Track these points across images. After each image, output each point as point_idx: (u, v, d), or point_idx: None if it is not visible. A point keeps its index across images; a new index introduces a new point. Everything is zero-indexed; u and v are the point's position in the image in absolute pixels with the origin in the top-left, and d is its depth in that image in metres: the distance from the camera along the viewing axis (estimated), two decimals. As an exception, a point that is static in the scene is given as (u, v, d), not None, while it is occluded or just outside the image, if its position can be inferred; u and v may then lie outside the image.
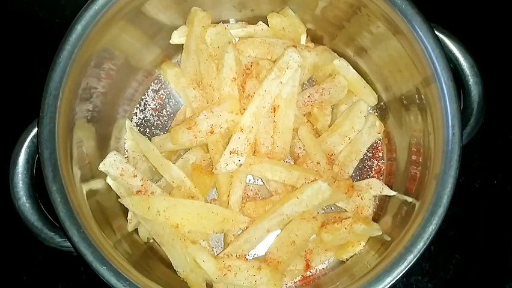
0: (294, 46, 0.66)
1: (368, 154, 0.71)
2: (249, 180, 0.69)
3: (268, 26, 0.70)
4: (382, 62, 0.66)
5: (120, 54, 0.64)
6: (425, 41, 0.55)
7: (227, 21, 0.72)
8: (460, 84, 0.58)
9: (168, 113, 0.72)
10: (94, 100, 0.61)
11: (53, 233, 0.56)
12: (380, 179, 0.69)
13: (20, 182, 0.56)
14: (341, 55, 0.70)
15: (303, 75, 0.67)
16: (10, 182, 0.56)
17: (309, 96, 0.68)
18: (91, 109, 0.61)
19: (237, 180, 0.65)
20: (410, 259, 0.53)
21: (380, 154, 0.71)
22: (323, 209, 0.67)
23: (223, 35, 0.67)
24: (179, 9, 0.67)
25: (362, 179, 0.69)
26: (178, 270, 0.61)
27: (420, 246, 0.53)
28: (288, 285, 0.66)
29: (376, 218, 0.67)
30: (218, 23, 0.68)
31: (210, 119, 0.64)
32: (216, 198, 0.67)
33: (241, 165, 0.63)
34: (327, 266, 0.67)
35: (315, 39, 0.71)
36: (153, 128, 0.71)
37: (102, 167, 0.62)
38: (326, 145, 0.67)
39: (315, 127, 0.69)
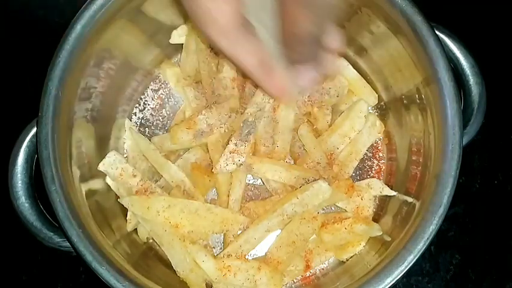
0: (294, 46, 0.66)
1: (368, 154, 0.70)
2: (249, 180, 0.69)
3: (268, 25, 0.70)
4: (382, 62, 0.66)
5: (119, 53, 0.63)
6: (426, 41, 0.55)
7: (227, 21, 0.71)
8: (460, 84, 0.58)
9: (168, 112, 0.72)
10: (93, 100, 0.61)
11: (52, 233, 0.55)
12: (380, 179, 0.69)
13: (19, 182, 0.56)
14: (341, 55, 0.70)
15: (303, 74, 0.67)
16: (9, 181, 0.56)
17: (309, 96, 0.68)
18: (90, 109, 0.61)
19: (237, 180, 0.64)
20: (410, 259, 0.53)
21: (380, 154, 0.71)
22: (323, 209, 0.67)
23: (223, 35, 0.67)
24: (179, 8, 0.67)
25: (362, 179, 0.69)
26: (178, 270, 0.60)
27: (421, 246, 0.53)
28: (288, 285, 0.65)
29: (376, 218, 0.67)
30: (218, 23, 0.68)
31: (209, 118, 0.64)
32: (216, 198, 0.67)
33: (241, 165, 0.63)
34: (327, 266, 0.67)
35: (315, 38, 0.71)
36: (153, 127, 0.71)
37: (101, 166, 0.62)
38: (326, 145, 0.67)
39: (315, 127, 0.69)
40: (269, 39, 0.42)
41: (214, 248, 0.67)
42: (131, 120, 0.71)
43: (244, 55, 0.42)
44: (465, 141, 0.56)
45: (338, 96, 0.68)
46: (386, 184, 0.67)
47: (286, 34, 0.41)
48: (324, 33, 0.40)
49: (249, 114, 0.63)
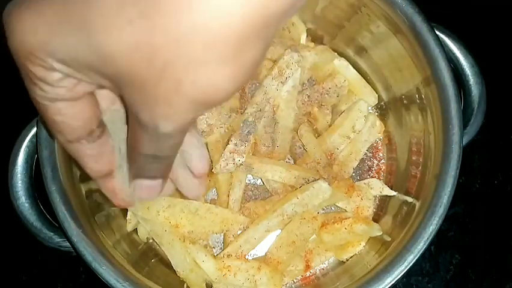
0: (294, 46, 0.66)
1: (368, 154, 0.70)
2: (249, 180, 0.69)
3: (268, 25, 0.70)
4: (382, 62, 0.66)
5: (119, 53, 0.63)
6: (426, 41, 0.55)
7: (227, 21, 0.71)
8: (460, 84, 0.58)
9: (168, 112, 0.71)
10: (93, 100, 0.61)
11: (52, 233, 0.55)
12: (380, 179, 0.69)
13: (19, 182, 0.56)
14: (341, 55, 0.70)
15: (303, 74, 0.67)
16: (9, 181, 0.56)
17: (309, 96, 0.68)
18: (90, 109, 0.61)
19: (237, 180, 0.64)
20: (410, 259, 0.53)
21: (380, 154, 0.71)
22: (323, 209, 0.67)
23: (223, 35, 0.67)
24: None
25: (362, 179, 0.69)
26: (178, 270, 0.60)
27: (421, 246, 0.53)
28: (288, 285, 0.65)
29: (376, 218, 0.67)
30: (218, 23, 0.68)
31: (209, 118, 0.64)
32: (216, 198, 0.67)
33: (241, 165, 0.63)
34: (327, 266, 0.67)
35: (315, 38, 0.71)
36: (153, 127, 0.71)
37: (101, 166, 0.62)
38: (326, 145, 0.67)
39: (315, 127, 0.68)
40: (120, 148, 0.41)
41: (214, 248, 0.67)
42: (131, 120, 0.71)
43: (90, 161, 0.40)
44: (465, 141, 0.56)
45: (338, 96, 0.68)
46: (386, 184, 0.67)
47: (129, 147, 0.39)
48: (168, 158, 0.38)
49: (249, 114, 0.63)
